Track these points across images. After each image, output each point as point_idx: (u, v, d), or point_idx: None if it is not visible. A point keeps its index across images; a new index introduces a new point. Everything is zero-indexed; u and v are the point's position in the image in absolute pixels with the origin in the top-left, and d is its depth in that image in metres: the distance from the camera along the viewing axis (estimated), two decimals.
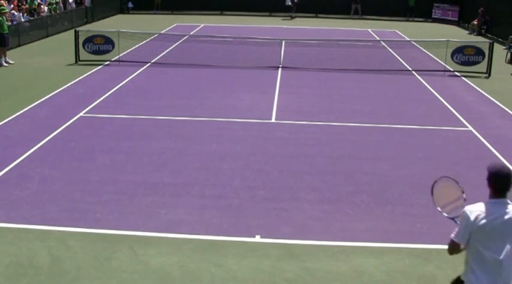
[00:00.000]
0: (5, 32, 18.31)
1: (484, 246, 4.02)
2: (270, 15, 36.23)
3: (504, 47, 22.33)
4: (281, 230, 7.52)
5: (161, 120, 12.45)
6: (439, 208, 4.66)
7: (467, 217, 4.08)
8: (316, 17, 35.66)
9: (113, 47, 19.11)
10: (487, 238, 4.02)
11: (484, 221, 4.02)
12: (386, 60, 19.78)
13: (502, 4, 27.32)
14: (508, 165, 10.14)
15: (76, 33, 19.05)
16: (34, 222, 7.57)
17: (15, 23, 22.18)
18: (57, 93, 14.71)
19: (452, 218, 4.45)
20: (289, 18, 34.60)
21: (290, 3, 34.33)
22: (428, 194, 8.68)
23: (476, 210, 4.09)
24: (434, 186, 4.70)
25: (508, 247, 4.01)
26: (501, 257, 4.00)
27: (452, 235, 4.18)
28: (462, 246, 4.17)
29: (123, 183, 8.98)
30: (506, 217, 4.05)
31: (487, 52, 18.28)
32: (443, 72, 18.31)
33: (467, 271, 4.15)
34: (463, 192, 4.48)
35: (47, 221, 7.60)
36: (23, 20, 23.38)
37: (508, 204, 4.13)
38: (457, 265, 6.79)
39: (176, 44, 22.45)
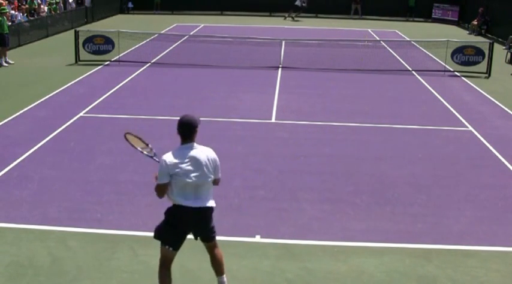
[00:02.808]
0: (5, 32, 18.31)
1: (185, 177, 5.30)
2: (270, 15, 36.25)
3: (504, 47, 22.34)
4: (281, 230, 7.52)
5: (161, 120, 12.45)
6: (139, 148, 5.91)
7: (165, 163, 5.28)
8: (316, 17, 35.67)
9: (113, 47, 19.11)
10: (185, 172, 5.29)
11: (178, 162, 5.28)
12: (386, 60, 19.78)
13: (502, 4, 27.33)
14: (508, 164, 10.17)
15: (76, 33, 19.05)
16: (34, 222, 7.57)
17: (15, 23, 22.19)
18: (57, 93, 14.70)
19: (152, 157, 5.84)
20: (289, 18, 34.36)
21: (299, 4, 33.92)
22: (428, 194, 8.78)
23: (170, 156, 5.30)
24: (126, 137, 5.96)
25: (200, 173, 5.36)
26: (198, 181, 5.36)
27: (157, 181, 5.35)
28: (166, 183, 5.31)
29: (123, 183, 8.98)
30: (193, 155, 5.33)
31: (487, 52, 18.26)
32: (443, 72, 18.31)
33: (175, 197, 5.40)
34: (147, 144, 5.93)
35: (47, 221, 7.60)
36: (22, 20, 23.38)
37: (193, 147, 5.35)
38: (458, 265, 6.82)
39: (176, 44, 22.44)
